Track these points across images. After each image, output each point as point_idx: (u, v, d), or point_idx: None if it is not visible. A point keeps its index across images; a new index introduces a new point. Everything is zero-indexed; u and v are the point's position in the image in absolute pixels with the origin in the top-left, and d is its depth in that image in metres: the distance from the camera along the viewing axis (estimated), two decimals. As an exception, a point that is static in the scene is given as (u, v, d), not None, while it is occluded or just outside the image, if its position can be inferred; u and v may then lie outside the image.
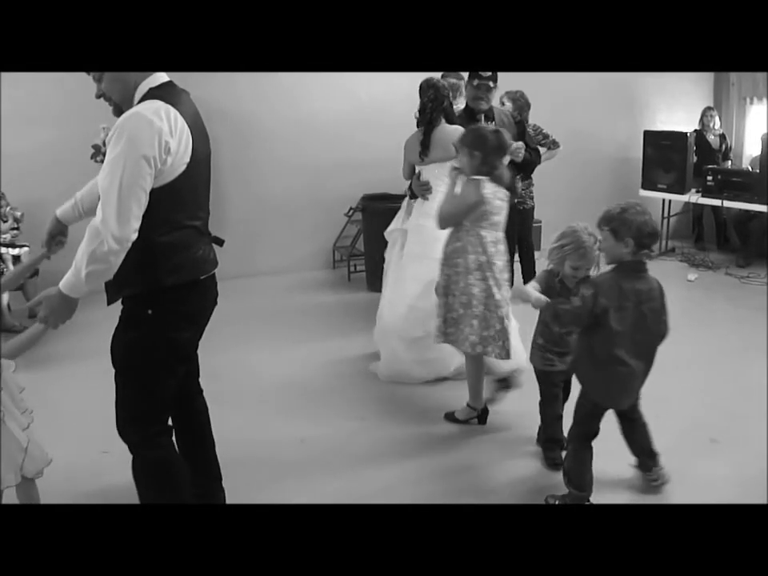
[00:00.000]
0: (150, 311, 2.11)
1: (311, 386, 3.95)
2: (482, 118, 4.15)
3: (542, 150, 5.64)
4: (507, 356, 3.19)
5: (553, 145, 5.82)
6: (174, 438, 2.38)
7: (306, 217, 6.37)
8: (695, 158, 6.86)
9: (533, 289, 2.84)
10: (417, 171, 3.98)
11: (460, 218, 3.12)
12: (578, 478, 2.70)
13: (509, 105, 5.36)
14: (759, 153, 6.45)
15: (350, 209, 6.28)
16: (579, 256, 2.79)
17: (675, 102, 7.63)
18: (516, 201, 4.82)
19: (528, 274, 5.82)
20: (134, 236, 1.93)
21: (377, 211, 5.70)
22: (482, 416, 3.46)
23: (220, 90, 5.69)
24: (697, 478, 2.92)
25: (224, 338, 4.61)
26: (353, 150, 6.32)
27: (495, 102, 5.52)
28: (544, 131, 5.76)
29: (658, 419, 2.95)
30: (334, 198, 6.36)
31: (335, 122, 6.26)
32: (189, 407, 2.54)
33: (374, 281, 5.73)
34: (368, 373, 4.09)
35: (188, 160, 2.04)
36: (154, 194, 1.98)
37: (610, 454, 2.89)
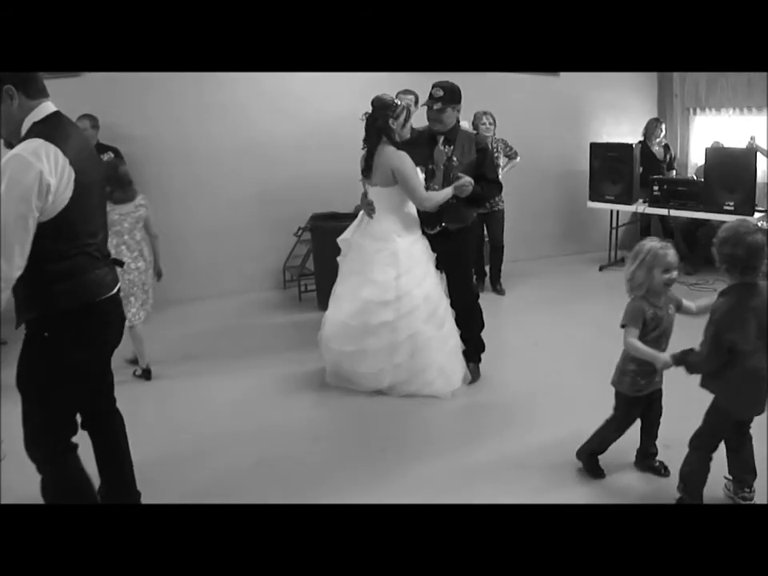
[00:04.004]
0: (46, 333, 2.19)
1: (263, 408, 3.88)
2: (442, 139, 3.92)
3: (505, 160, 5.94)
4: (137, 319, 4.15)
5: (515, 155, 6.08)
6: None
7: (255, 237, 6.27)
8: (641, 169, 6.95)
9: (642, 345, 2.79)
10: (365, 189, 3.96)
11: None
12: (693, 486, 2.64)
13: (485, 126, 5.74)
14: (703, 163, 6.56)
15: (299, 228, 6.20)
16: (662, 256, 2.79)
17: (620, 114, 7.74)
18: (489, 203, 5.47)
19: (495, 271, 6.19)
20: (18, 273, 2.03)
21: (326, 230, 5.61)
22: (145, 373, 4.24)
23: (168, 110, 5.56)
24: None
25: (174, 361, 4.52)
26: (300, 169, 6.25)
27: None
28: (504, 139, 6.04)
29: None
30: (282, 217, 6.27)
31: (282, 141, 6.18)
32: (101, 426, 2.60)
33: (325, 300, 5.54)
34: (320, 393, 4.05)
35: (70, 194, 2.10)
36: (41, 228, 2.05)
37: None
